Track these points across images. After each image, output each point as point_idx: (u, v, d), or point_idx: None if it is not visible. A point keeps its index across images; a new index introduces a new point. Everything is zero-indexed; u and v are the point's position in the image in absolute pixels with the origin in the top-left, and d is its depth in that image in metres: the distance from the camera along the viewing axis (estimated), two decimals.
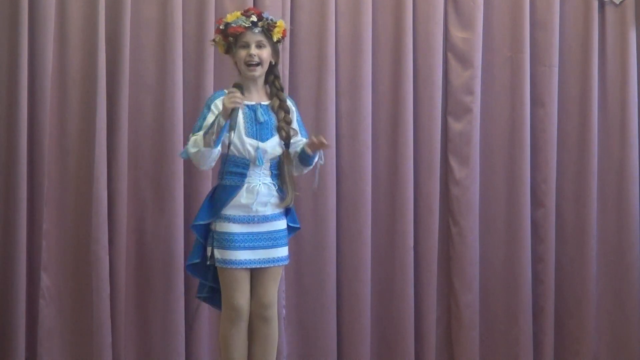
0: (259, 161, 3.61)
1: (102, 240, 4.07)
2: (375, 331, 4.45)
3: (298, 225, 3.81)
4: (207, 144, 3.50)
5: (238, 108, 3.52)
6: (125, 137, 4.13)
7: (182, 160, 4.18)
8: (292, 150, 3.71)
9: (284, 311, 4.32)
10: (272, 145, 3.64)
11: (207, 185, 4.15)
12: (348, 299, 4.40)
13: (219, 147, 3.55)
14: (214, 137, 3.48)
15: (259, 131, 3.64)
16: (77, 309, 4.18)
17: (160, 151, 4.20)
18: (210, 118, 3.56)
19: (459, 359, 4.52)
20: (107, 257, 4.09)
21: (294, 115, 3.75)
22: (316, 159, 3.73)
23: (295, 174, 3.75)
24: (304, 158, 3.70)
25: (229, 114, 3.50)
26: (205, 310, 4.22)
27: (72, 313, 4.19)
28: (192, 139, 3.57)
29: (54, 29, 4.10)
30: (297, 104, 3.87)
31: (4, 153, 4.08)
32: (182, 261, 4.18)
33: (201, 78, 4.23)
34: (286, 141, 3.67)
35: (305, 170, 3.78)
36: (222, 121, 3.49)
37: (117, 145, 4.13)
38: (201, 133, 3.54)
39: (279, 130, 3.65)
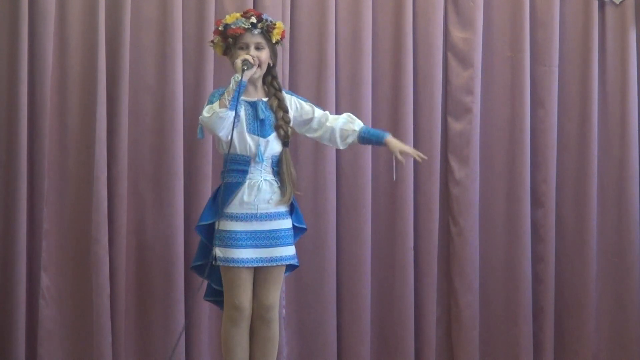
0: (259, 157, 3.62)
1: (102, 240, 4.07)
2: (375, 331, 4.46)
3: (304, 226, 3.78)
4: (222, 105, 3.50)
5: (250, 64, 3.55)
6: (125, 137, 4.13)
7: (182, 160, 4.19)
8: (339, 128, 3.73)
9: (284, 311, 4.32)
10: (273, 141, 3.65)
11: (207, 185, 4.16)
12: (348, 299, 4.41)
13: (235, 113, 3.53)
14: (229, 96, 3.49)
15: (259, 127, 3.65)
16: (77, 309, 4.18)
17: (160, 151, 4.20)
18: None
19: (459, 359, 4.52)
20: (107, 257, 4.09)
21: (296, 105, 3.73)
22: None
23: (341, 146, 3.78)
24: (367, 141, 3.77)
25: (241, 69, 3.52)
26: (206, 309, 4.22)
27: (72, 313, 4.18)
28: (206, 108, 3.56)
29: (54, 29, 4.10)
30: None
31: (4, 153, 4.09)
32: (182, 261, 4.18)
33: (201, 78, 4.23)
34: (285, 140, 3.67)
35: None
36: (237, 77, 3.51)
37: (117, 145, 4.13)
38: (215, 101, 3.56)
39: (277, 128, 3.66)
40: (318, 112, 3.76)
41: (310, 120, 3.75)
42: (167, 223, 4.19)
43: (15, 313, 4.05)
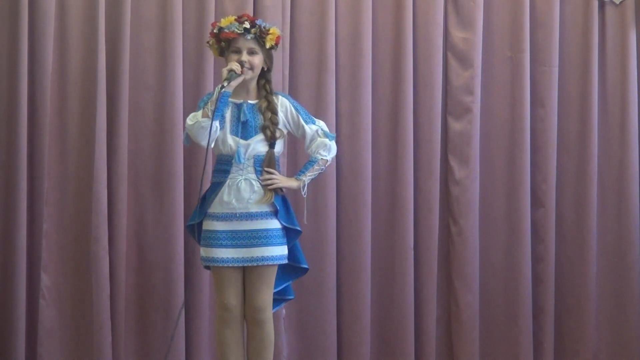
0: (237, 159, 3.62)
1: (102, 240, 4.07)
2: (375, 331, 4.46)
3: (297, 228, 3.73)
4: (205, 115, 3.53)
5: (236, 73, 3.55)
6: (125, 137, 4.14)
7: (182, 160, 4.19)
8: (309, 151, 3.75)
9: (283, 311, 4.33)
10: (255, 143, 3.65)
11: (207, 186, 4.15)
12: (348, 299, 4.41)
13: (218, 123, 3.55)
14: (212, 107, 3.51)
15: (241, 130, 3.64)
16: (77, 309, 4.19)
17: (160, 151, 4.21)
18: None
19: (459, 359, 4.52)
20: (107, 257, 4.10)
21: (287, 109, 3.72)
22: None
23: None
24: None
25: (226, 78, 3.52)
26: (206, 310, 4.22)
27: (72, 313, 4.19)
28: (190, 115, 3.60)
29: (54, 29, 4.11)
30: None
31: (4, 153, 4.09)
32: (182, 261, 4.19)
33: (201, 78, 4.23)
34: (271, 141, 3.67)
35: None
36: (220, 87, 3.52)
37: (117, 144, 4.13)
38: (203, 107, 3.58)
39: (264, 129, 3.66)
40: (310, 130, 3.73)
41: (299, 130, 3.75)
42: (167, 223, 4.20)
43: (15, 313, 4.06)
